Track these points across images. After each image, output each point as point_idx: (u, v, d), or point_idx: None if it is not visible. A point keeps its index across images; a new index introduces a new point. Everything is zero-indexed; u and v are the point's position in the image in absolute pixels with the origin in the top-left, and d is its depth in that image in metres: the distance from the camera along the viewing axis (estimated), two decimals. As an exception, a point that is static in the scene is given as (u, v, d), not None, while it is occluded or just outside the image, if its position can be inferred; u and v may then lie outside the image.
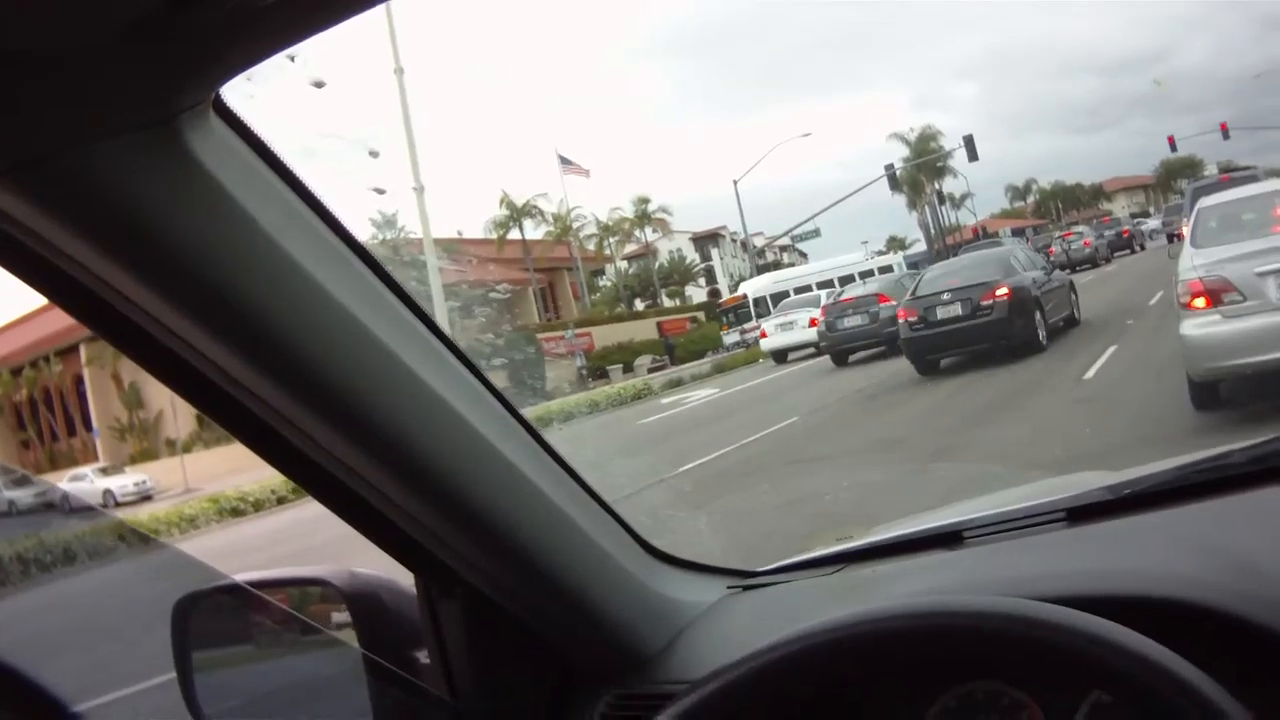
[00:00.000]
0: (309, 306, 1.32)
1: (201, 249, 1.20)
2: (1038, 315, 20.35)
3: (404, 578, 1.88)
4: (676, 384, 37.18)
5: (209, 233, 1.20)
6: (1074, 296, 23.58)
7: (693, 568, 2.12)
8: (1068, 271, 26.93)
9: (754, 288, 56.20)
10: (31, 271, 1.25)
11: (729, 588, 2.10)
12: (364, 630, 1.89)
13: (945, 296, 20.58)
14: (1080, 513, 1.89)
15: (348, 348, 1.38)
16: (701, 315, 64.90)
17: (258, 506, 25.29)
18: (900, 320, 21.43)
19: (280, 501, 24.98)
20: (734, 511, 10.46)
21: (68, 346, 55.90)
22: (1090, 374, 15.85)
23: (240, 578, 2.02)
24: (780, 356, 36.15)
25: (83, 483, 41.05)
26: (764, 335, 38.04)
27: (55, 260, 1.21)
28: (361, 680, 1.92)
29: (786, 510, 10.20)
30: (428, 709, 1.89)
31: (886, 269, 48.42)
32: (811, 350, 32.19)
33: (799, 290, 46.99)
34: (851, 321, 28.16)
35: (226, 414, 1.48)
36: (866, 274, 45.15)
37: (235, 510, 25.07)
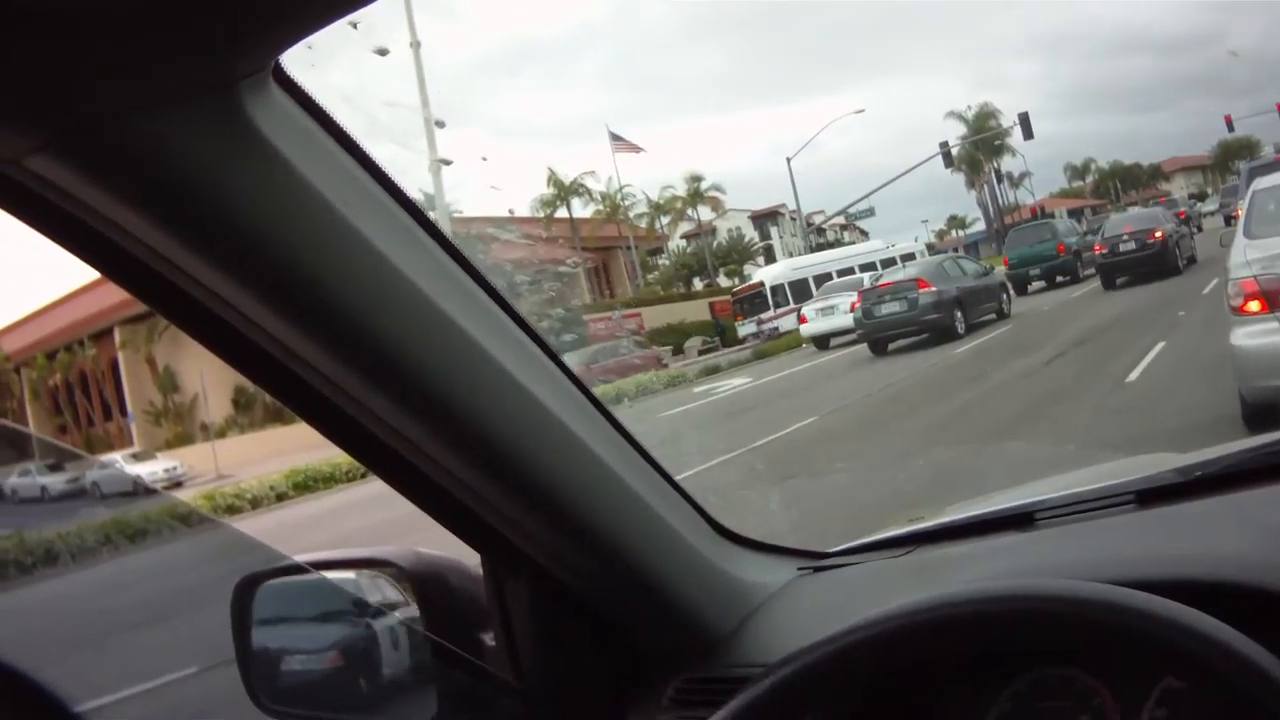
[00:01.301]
0: (372, 278, 1.30)
1: (261, 219, 1.18)
2: (1178, 252, 30.99)
3: (470, 558, 1.86)
4: (714, 370, 36.62)
5: (269, 203, 1.18)
6: (1194, 244, 34.00)
7: (763, 548, 2.09)
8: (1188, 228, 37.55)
9: (771, 275, 55.08)
10: (86, 246, 1.23)
11: (800, 569, 2.08)
12: (428, 612, 1.88)
13: (1125, 237, 30.77)
14: (1150, 495, 1.86)
15: (413, 321, 1.36)
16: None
17: (255, 504, 24.39)
18: (1096, 252, 31.89)
19: (280, 498, 24.60)
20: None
21: (102, 330, 56.40)
22: (1134, 376, 14.24)
23: (302, 558, 2.01)
24: (822, 342, 35.66)
25: (113, 469, 41.20)
26: (804, 320, 37.76)
27: (109, 233, 1.19)
28: (426, 663, 1.90)
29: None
30: (493, 692, 1.87)
31: (909, 256, 47.51)
32: (855, 336, 31.09)
33: (819, 278, 46.76)
34: (889, 308, 27.64)
35: (287, 390, 1.46)
36: (889, 261, 44.54)
37: (231, 508, 23.65)
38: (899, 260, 43.99)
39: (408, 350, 1.37)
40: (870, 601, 1.50)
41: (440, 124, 37.52)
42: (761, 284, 54.55)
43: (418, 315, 1.36)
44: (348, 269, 1.27)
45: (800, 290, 48.63)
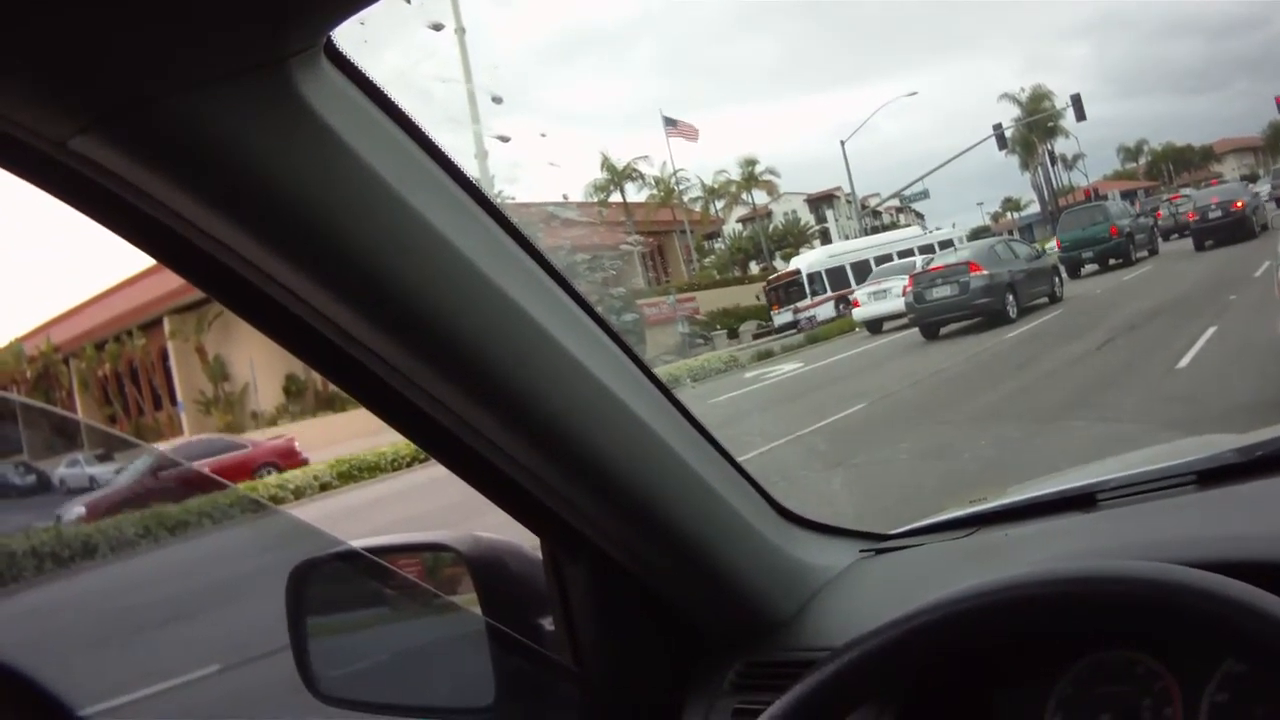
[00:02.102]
0: (429, 258, 1.28)
1: (313, 198, 1.16)
2: (1254, 219, 36.75)
3: (528, 542, 1.85)
4: (766, 355, 36.38)
5: (321, 181, 1.16)
6: (1265, 214, 39.51)
7: (825, 530, 2.07)
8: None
9: (808, 262, 53.99)
10: (135, 229, 1.22)
11: (861, 551, 2.06)
12: (487, 596, 1.85)
13: (1212, 206, 36.79)
14: (1212, 475, 1.84)
15: (471, 301, 1.34)
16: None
17: (298, 494, 24.28)
18: (1189, 219, 38.66)
19: (324, 488, 24.64)
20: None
21: (151, 320, 56.83)
22: (1184, 362, 13.91)
23: (359, 543, 1.99)
24: (874, 326, 35.23)
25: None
26: (856, 304, 37.68)
27: (158, 215, 1.17)
28: (484, 648, 1.88)
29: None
30: (552, 677, 1.86)
31: (946, 243, 46.57)
32: (906, 320, 30.52)
33: (855, 265, 46.58)
34: (941, 292, 27.23)
35: (342, 374, 1.45)
36: (927, 248, 44.23)
37: (274, 498, 23.25)
38: (937, 247, 43.58)
39: (466, 331, 1.35)
40: (933, 584, 1.49)
41: (498, 100, 38.29)
42: (798, 271, 53.53)
43: (476, 295, 1.34)
44: (403, 248, 1.25)
45: (838, 277, 48.42)
